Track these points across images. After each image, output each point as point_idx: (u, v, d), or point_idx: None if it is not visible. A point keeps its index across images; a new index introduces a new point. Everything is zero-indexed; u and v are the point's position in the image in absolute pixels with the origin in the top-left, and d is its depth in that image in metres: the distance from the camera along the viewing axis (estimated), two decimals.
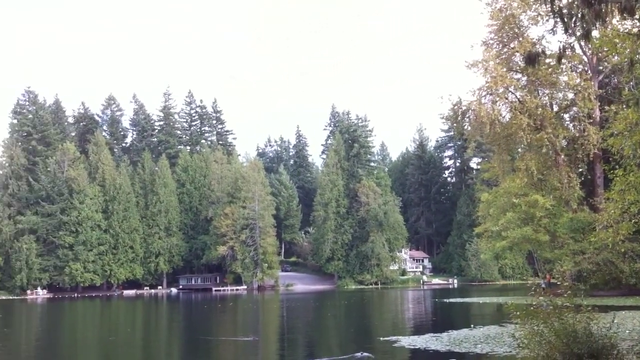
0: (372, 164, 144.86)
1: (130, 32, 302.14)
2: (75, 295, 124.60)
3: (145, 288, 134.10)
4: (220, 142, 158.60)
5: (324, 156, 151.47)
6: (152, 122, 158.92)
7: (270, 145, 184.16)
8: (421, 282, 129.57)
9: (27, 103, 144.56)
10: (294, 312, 60.82)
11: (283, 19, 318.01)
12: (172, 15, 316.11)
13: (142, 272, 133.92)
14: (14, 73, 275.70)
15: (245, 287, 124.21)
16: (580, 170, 63.29)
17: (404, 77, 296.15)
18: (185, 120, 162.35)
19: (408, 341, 28.27)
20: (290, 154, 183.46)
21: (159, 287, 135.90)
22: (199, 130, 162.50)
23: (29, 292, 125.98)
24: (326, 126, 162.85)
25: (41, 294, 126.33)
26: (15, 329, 53.69)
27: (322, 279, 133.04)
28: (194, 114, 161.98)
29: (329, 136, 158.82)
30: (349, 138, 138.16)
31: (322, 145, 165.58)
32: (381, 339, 29.99)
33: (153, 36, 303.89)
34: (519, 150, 68.89)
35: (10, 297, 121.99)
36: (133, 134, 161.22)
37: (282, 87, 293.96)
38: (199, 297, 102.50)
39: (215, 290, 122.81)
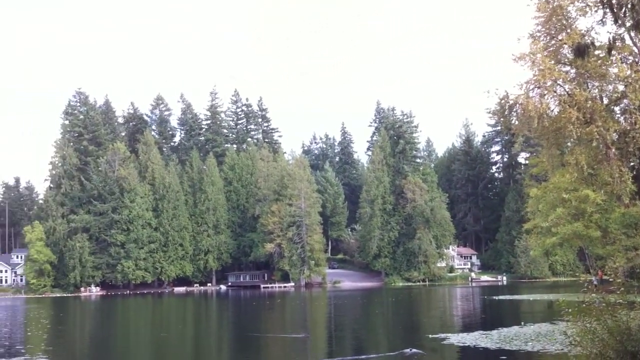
0: (417, 160, 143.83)
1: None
2: (128, 292, 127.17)
3: (195, 285, 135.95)
4: (266, 140, 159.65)
5: (369, 153, 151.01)
6: (199, 121, 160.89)
7: (315, 142, 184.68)
8: (469, 279, 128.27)
9: (78, 104, 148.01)
10: (342, 309, 60.99)
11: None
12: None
13: (191, 270, 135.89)
14: (65, 75, 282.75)
15: (293, 284, 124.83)
16: (632, 164, 61.66)
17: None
18: (231, 118, 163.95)
19: (457, 338, 28.16)
20: (336, 151, 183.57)
21: (209, 284, 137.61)
22: (245, 128, 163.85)
23: (82, 289, 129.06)
24: (371, 123, 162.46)
25: (94, 291, 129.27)
26: (70, 326, 55.20)
27: (369, 276, 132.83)
28: (240, 113, 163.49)
29: (374, 133, 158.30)
30: (394, 134, 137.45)
31: (367, 142, 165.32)
32: (430, 336, 29.92)
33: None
34: (569, 144, 67.37)
35: (65, 295, 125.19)
36: (181, 133, 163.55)
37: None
38: (247, 294, 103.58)
39: (264, 287, 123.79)
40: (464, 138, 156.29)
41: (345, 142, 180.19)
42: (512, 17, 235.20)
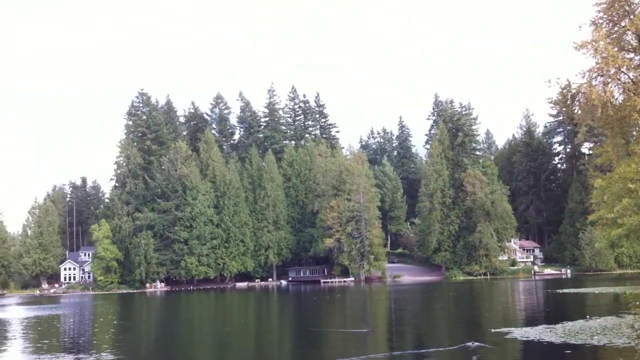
0: (477, 152, 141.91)
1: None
2: (191, 287, 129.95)
3: (256, 280, 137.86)
4: (324, 136, 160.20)
5: (428, 146, 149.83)
6: (258, 118, 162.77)
7: (373, 137, 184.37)
8: (532, 272, 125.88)
9: (141, 105, 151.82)
10: (402, 303, 60.91)
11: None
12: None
13: (252, 265, 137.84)
14: (128, 76, 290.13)
15: (353, 278, 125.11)
16: None
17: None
18: (289, 115, 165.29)
19: (520, 332, 27.87)
20: (394, 145, 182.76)
21: (269, 279, 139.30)
22: (302, 124, 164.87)
23: (148, 285, 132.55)
24: (429, 116, 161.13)
25: (159, 287, 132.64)
26: (136, 321, 56.83)
27: (429, 270, 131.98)
28: (297, 109, 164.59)
29: (432, 126, 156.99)
30: (452, 127, 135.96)
31: (425, 135, 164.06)
32: (492, 330, 29.69)
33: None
34: (634, 133, 65.61)
35: (131, 291, 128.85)
36: (240, 131, 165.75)
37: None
38: (307, 288, 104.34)
39: (324, 282, 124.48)
40: (524, 129, 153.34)
41: (403, 135, 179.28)
42: (569, 5, 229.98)
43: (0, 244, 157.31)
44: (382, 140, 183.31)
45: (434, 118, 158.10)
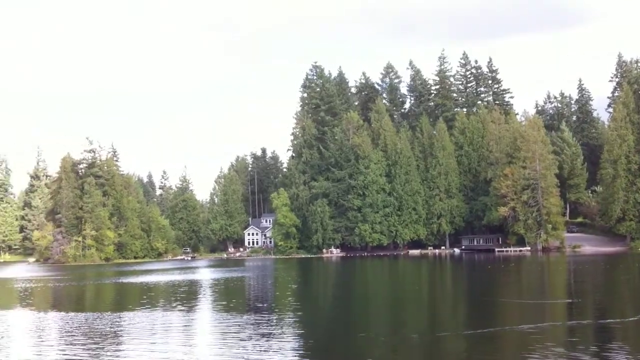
0: None
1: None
2: (365, 254, 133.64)
3: (429, 248, 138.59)
4: (497, 102, 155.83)
5: (610, 110, 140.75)
6: (428, 86, 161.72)
7: (549, 101, 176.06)
8: None
9: (315, 77, 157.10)
10: (582, 274, 59.11)
11: None
12: None
13: (425, 233, 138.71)
14: (303, 50, 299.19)
15: (529, 248, 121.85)
16: None
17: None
18: (460, 82, 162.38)
19: None
20: (572, 109, 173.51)
21: (442, 247, 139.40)
22: (474, 91, 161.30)
23: (324, 251, 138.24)
24: (612, 77, 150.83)
25: (335, 253, 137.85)
26: (314, 284, 60.26)
27: (612, 241, 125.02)
28: (469, 76, 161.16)
29: (615, 88, 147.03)
30: (638, 89, 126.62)
31: (607, 98, 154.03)
32: None
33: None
34: None
35: (309, 256, 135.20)
36: (411, 100, 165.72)
37: None
38: (481, 257, 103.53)
39: (498, 251, 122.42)
40: None
41: (583, 99, 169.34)
42: None
43: (191, 211, 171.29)
44: (559, 105, 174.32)
45: (617, 80, 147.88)
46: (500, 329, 24.67)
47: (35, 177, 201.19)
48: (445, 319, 29.68)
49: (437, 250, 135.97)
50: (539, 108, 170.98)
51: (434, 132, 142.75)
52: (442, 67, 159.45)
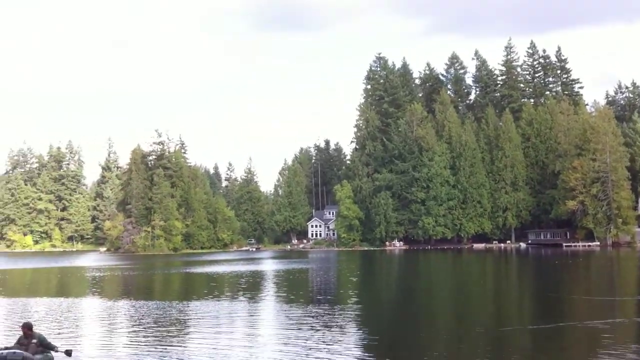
0: None
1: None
2: (428, 247, 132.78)
3: (494, 242, 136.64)
4: (566, 92, 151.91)
5: None
6: (494, 77, 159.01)
7: (621, 92, 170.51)
8: None
9: (379, 69, 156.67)
10: None
11: None
12: None
13: (490, 226, 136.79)
14: (364, 41, 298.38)
15: (598, 243, 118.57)
16: None
17: None
18: (527, 72, 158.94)
19: None
20: None
21: (508, 241, 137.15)
22: (542, 81, 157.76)
23: (387, 243, 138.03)
24: None
25: (398, 245, 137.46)
26: (377, 276, 60.32)
27: None
28: (536, 65, 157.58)
29: None
30: None
31: None
32: None
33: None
34: None
35: (372, 248, 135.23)
36: (476, 91, 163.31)
37: None
38: (548, 252, 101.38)
39: (566, 246, 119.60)
40: None
41: None
42: None
43: (256, 202, 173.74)
44: (631, 95, 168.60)
45: None
46: (568, 324, 24.28)
47: (106, 168, 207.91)
48: (511, 314, 29.37)
49: (502, 245, 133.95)
50: (610, 98, 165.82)
51: (500, 123, 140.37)
52: (509, 57, 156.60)
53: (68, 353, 17.20)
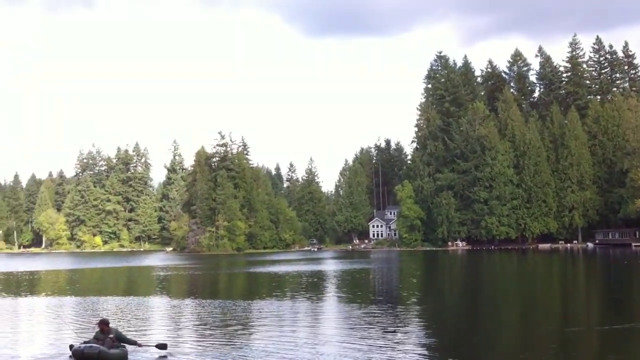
0: None
1: None
2: (492, 247, 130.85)
3: (560, 242, 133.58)
4: (634, 89, 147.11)
5: None
6: (559, 74, 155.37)
7: None
8: None
9: (439, 67, 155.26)
10: None
11: None
12: None
13: (556, 226, 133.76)
14: (424, 41, 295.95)
15: None
16: None
17: None
18: (593, 68, 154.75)
19: None
20: None
21: (574, 242, 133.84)
22: (609, 78, 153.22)
23: (449, 243, 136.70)
24: None
25: (460, 246, 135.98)
26: (439, 276, 60.09)
27: None
28: (603, 62, 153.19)
29: None
30: None
31: None
32: None
33: None
34: None
35: (434, 248, 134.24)
36: (540, 88, 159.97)
37: None
38: (616, 252, 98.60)
39: (635, 246, 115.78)
40: None
41: None
42: None
43: (317, 202, 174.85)
44: None
45: None
46: (637, 326, 23.84)
47: (172, 170, 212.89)
48: (579, 314, 28.91)
49: (568, 245, 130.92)
50: None
51: (565, 121, 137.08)
52: (574, 53, 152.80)
53: (161, 347, 18.15)
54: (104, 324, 17.88)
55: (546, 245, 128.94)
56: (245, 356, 18.18)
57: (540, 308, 31.61)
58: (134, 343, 18.08)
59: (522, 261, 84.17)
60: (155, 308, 32.77)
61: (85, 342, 17.57)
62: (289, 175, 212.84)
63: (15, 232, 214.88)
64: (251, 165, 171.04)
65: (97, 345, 16.98)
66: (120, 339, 17.85)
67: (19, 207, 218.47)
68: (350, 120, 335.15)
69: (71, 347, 17.55)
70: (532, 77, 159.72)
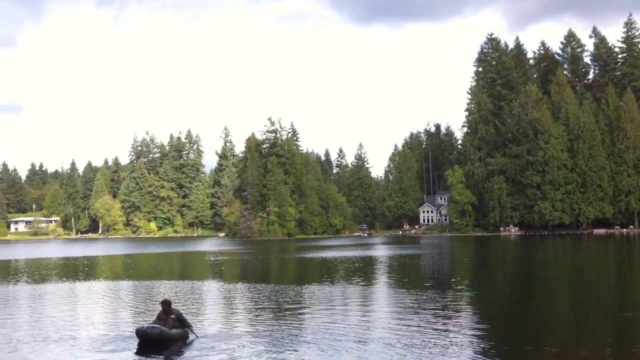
0: None
1: None
2: (545, 232, 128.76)
3: (616, 227, 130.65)
4: None
5: None
6: (614, 55, 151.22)
7: None
8: None
9: (490, 50, 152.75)
10: None
11: None
12: None
13: (611, 211, 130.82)
14: (474, 24, 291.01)
15: None
16: None
17: None
18: None
19: None
20: None
21: (630, 227, 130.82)
22: None
23: (502, 229, 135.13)
24: None
25: (513, 231, 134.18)
26: (492, 262, 59.61)
27: None
28: None
29: None
30: None
31: None
32: None
33: None
34: None
35: (485, 234, 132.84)
36: (595, 70, 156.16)
37: None
38: None
39: None
40: None
41: None
42: None
43: (367, 188, 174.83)
44: None
45: None
46: None
47: (223, 157, 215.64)
48: (635, 299, 28.48)
49: (624, 230, 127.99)
50: None
51: (621, 103, 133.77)
52: (630, 33, 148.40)
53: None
54: (166, 304, 18.52)
55: (601, 231, 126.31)
56: (297, 339, 18.52)
57: (595, 292, 31.24)
58: (189, 327, 18.64)
59: (576, 246, 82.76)
60: (209, 292, 33.51)
61: (149, 323, 18.33)
62: (338, 161, 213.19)
63: (72, 219, 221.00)
64: (301, 151, 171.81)
65: (159, 326, 17.64)
66: (181, 321, 18.47)
67: (76, 194, 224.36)
68: (400, 105, 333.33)
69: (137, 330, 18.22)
70: (587, 59, 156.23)
